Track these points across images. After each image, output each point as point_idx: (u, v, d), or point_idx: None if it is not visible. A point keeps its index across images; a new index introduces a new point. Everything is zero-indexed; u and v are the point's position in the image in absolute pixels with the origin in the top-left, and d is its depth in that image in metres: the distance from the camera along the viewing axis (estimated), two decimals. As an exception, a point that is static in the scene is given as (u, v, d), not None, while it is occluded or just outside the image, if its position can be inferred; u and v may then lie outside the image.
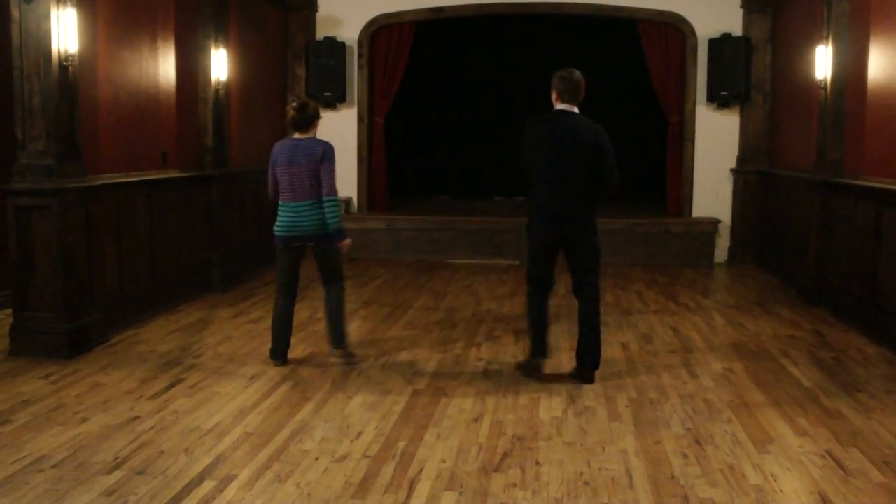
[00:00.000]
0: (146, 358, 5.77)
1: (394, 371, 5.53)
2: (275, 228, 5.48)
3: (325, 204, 5.38)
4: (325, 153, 5.37)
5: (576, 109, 5.19)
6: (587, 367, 5.28)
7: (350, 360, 5.66)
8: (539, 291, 5.36)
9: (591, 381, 5.23)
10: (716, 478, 3.85)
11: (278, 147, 5.50)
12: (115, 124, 6.73)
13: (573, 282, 5.36)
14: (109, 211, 6.46)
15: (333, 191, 5.39)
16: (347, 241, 5.58)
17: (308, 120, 5.44)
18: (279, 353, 5.62)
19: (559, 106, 5.20)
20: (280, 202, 5.47)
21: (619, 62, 11.81)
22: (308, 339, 6.28)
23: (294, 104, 5.46)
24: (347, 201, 10.48)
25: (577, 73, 5.18)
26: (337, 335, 5.65)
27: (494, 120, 12.69)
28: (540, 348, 5.41)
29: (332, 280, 5.63)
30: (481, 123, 12.81)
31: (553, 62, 12.24)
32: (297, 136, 5.46)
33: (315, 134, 5.51)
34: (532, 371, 5.40)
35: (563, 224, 5.18)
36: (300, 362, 5.68)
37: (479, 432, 4.41)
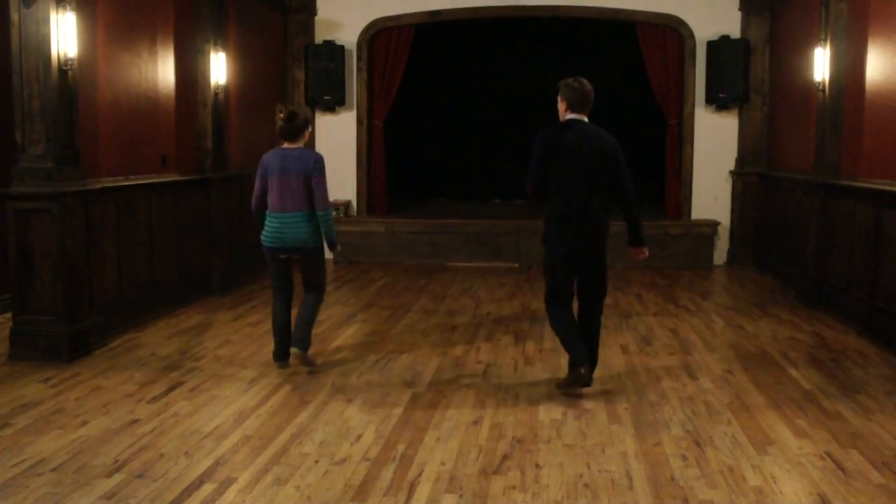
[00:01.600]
0: (146, 361, 5.77)
1: (393, 374, 5.53)
2: (262, 238, 5.47)
3: (320, 217, 5.36)
4: (317, 166, 5.35)
5: (586, 119, 5.10)
6: (589, 369, 5.17)
7: (309, 366, 5.54)
8: (561, 305, 5.16)
9: (589, 383, 5.18)
10: (715, 479, 3.85)
11: (268, 157, 5.45)
12: (115, 128, 6.73)
13: (581, 291, 5.25)
14: (109, 214, 6.46)
15: (326, 204, 5.39)
16: (337, 248, 5.60)
17: (297, 130, 5.42)
18: (281, 355, 5.61)
19: (570, 116, 5.08)
20: (268, 212, 5.43)
21: (618, 65, 11.83)
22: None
23: (282, 114, 5.38)
24: (346, 205, 10.48)
25: (587, 83, 5.09)
26: (301, 338, 5.49)
27: (493, 123, 12.72)
28: (580, 354, 5.05)
29: (313, 290, 5.60)
30: (480, 126, 12.83)
31: (551, 65, 12.27)
32: (286, 145, 5.44)
33: (304, 144, 5.50)
34: (576, 382, 5.05)
35: (584, 234, 5.05)
36: (299, 364, 5.67)
37: (478, 435, 4.42)
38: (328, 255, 5.90)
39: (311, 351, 5.76)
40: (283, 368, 5.57)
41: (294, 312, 5.64)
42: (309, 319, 5.57)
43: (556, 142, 5.03)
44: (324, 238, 5.45)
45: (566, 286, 5.15)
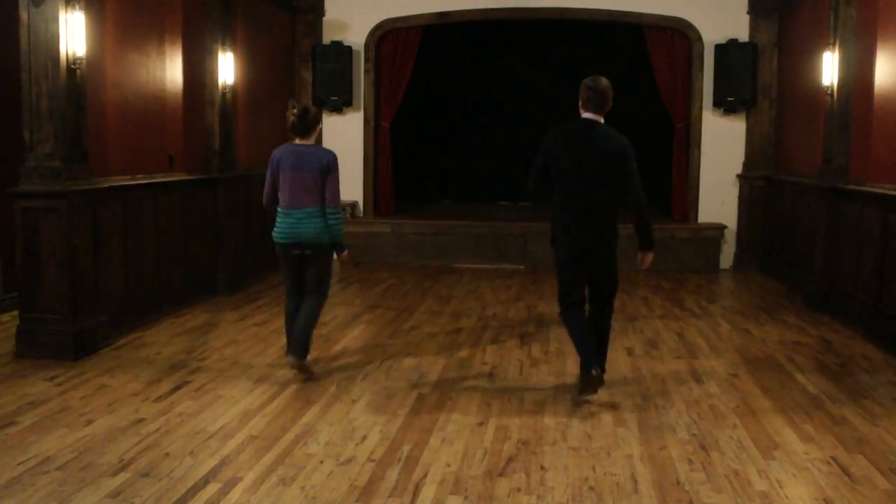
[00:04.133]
0: (152, 360, 5.78)
1: (399, 375, 5.53)
2: (273, 234, 5.42)
3: (329, 215, 5.31)
4: (332, 163, 5.31)
5: (601, 120, 5.01)
6: (600, 369, 5.08)
7: (305, 374, 5.42)
8: (575, 307, 5.10)
9: (602, 382, 5.10)
10: (721, 484, 3.84)
11: (280, 152, 5.39)
12: (122, 127, 6.74)
13: (592, 293, 5.20)
14: (116, 213, 6.48)
15: (338, 202, 5.35)
16: (345, 254, 5.49)
17: (309, 126, 5.38)
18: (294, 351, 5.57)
19: (585, 115, 5.01)
20: (279, 209, 5.38)
21: (625, 67, 11.80)
22: (313, 341, 6.26)
23: (295, 110, 5.36)
24: (353, 205, 10.49)
25: (605, 82, 5.00)
26: (297, 344, 5.37)
27: (500, 124, 12.71)
28: (588, 359, 4.98)
29: (315, 292, 5.48)
30: (487, 128, 12.83)
31: (558, 67, 12.25)
32: (298, 141, 5.40)
33: (315, 140, 5.48)
34: (590, 385, 4.99)
35: (591, 235, 5.00)
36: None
37: (484, 437, 4.41)
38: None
39: (315, 353, 5.76)
40: (297, 367, 5.54)
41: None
42: (309, 324, 5.44)
43: (564, 139, 4.98)
44: (332, 237, 5.34)
45: (575, 287, 5.09)
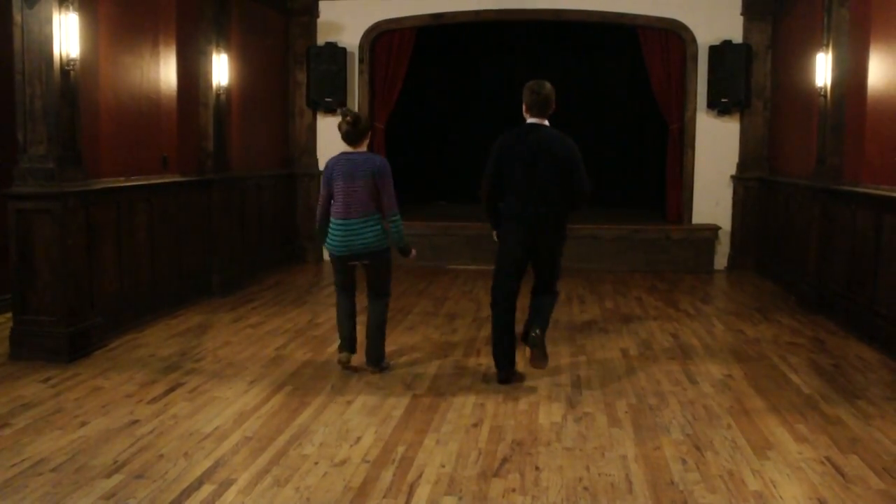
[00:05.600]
0: (146, 362, 5.77)
1: (393, 376, 5.53)
2: (327, 245, 5.44)
3: (390, 220, 5.34)
4: (383, 169, 5.31)
5: (546, 122, 5.26)
6: (537, 329, 5.29)
7: (384, 370, 5.61)
8: (504, 307, 5.33)
9: (537, 344, 5.24)
10: (715, 484, 3.85)
11: (333, 162, 5.41)
12: (116, 128, 6.73)
13: (536, 284, 5.49)
14: (110, 215, 6.47)
15: (395, 207, 5.36)
16: (414, 253, 5.60)
17: (361, 134, 5.39)
18: (348, 345, 5.62)
19: (530, 119, 5.28)
20: (332, 219, 5.39)
21: (620, 69, 11.85)
22: (307, 343, 6.28)
23: (348, 118, 5.35)
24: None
25: (548, 87, 5.24)
26: (372, 353, 5.60)
27: (494, 126, 12.66)
28: (506, 363, 5.36)
29: (378, 297, 5.60)
30: (481, 129, 12.79)
31: (553, 69, 12.25)
32: (350, 150, 5.40)
33: (366, 147, 5.47)
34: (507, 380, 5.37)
35: (536, 233, 5.24)
36: (299, 366, 5.67)
37: (478, 437, 4.41)
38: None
39: (309, 354, 5.78)
40: (350, 361, 5.59)
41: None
42: (379, 330, 5.60)
43: (510, 146, 5.23)
44: (394, 243, 5.41)
45: (511, 281, 5.33)
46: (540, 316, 5.41)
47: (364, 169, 5.29)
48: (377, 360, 5.60)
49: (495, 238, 5.52)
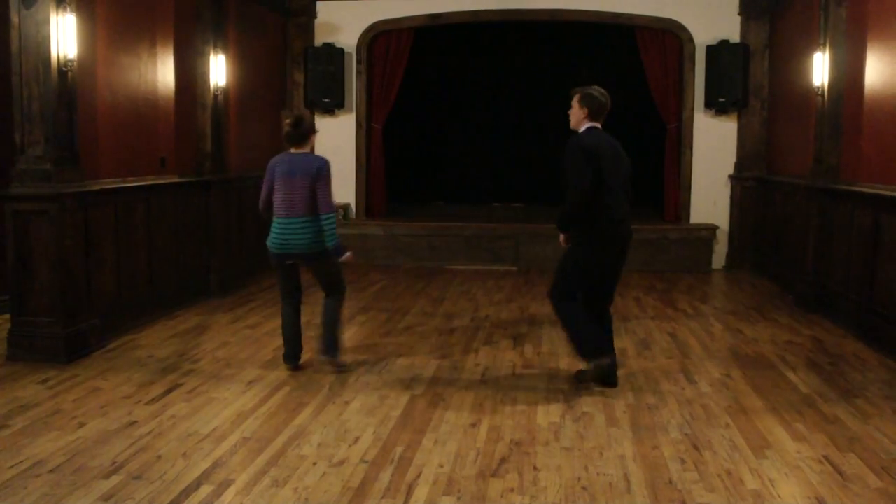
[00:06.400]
0: (144, 363, 5.77)
1: (392, 376, 5.53)
2: (268, 243, 5.46)
3: (323, 221, 5.32)
4: (321, 169, 5.34)
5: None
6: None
7: (339, 368, 5.60)
8: (575, 300, 5.23)
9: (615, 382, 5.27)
10: (713, 483, 3.85)
11: (275, 161, 5.47)
12: (114, 129, 6.73)
13: (604, 299, 5.39)
14: (107, 216, 6.46)
15: (331, 208, 5.36)
16: (348, 255, 5.45)
17: (303, 135, 5.43)
18: (291, 357, 5.62)
19: (591, 124, 5.14)
20: (274, 217, 5.44)
21: (617, 69, 11.82)
22: (305, 344, 6.26)
23: (289, 119, 5.43)
24: (345, 207, 10.49)
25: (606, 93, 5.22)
26: (325, 343, 5.59)
27: (492, 126, 12.72)
28: (602, 345, 5.20)
29: (332, 293, 5.63)
30: (479, 129, 12.83)
31: (550, 69, 12.25)
32: (293, 150, 5.45)
33: (311, 148, 5.51)
34: (602, 373, 5.21)
35: (628, 237, 5.23)
36: (298, 367, 5.67)
37: (476, 437, 4.41)
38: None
39: (307, 354, 5.77)
40: (295, 371, 5.58)
41: (301, 319, 5.67)
42: (332, 324, 5.59)
43: (599, 148, 5.03)
44: (327, 244, 5.35)
45: (605, 288, 5.30)
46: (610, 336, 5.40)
47: (304, 168, 5.32)
48: (329, 350, 5.54)
49: (563, 243, 5.32)
